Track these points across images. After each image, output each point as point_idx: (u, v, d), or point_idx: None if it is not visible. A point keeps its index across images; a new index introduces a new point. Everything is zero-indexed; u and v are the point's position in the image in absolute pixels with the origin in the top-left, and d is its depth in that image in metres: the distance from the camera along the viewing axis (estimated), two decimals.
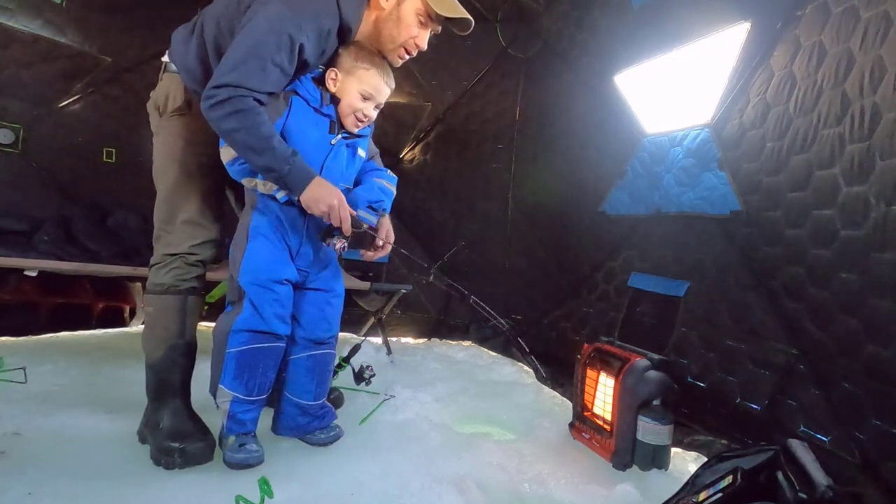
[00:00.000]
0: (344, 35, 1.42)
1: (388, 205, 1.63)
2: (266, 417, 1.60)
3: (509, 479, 1.50)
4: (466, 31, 1.46)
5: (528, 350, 2.30)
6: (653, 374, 1.67)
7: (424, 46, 1.46)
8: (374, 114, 1.54)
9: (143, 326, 1.55)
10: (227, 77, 1.26)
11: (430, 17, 1.42)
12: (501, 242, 3.42)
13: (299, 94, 1.46)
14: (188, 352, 1.52)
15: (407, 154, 3.67)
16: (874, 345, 1.33)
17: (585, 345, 1.95)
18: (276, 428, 1.64)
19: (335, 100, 1.50)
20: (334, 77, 1.48)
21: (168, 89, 1.49)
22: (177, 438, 1.39)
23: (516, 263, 3.35)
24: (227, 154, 1.41)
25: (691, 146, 2.03)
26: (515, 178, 3.37)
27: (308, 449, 1.60)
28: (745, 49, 1.79)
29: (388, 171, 1.70)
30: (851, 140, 1.42)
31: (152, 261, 1.51)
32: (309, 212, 1.41)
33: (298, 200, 1.39)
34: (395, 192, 1.66)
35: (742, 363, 1.77)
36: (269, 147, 1.29)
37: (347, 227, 1.42)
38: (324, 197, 1.37)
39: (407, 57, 1.49)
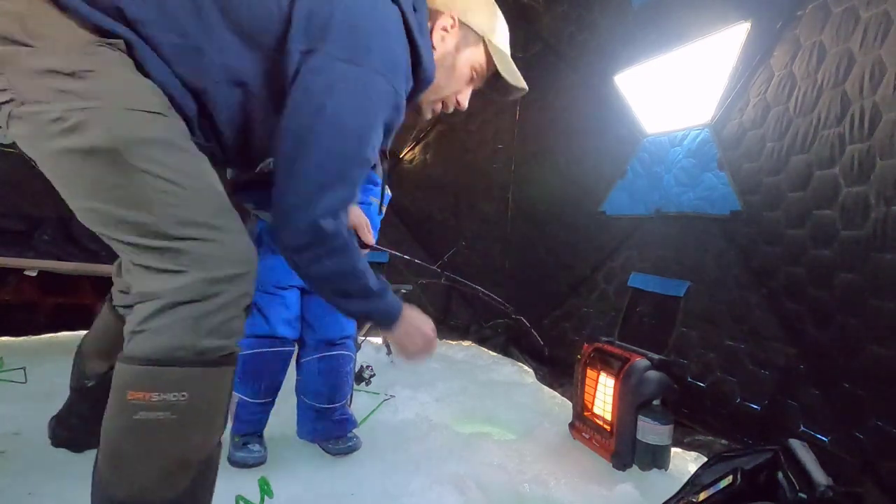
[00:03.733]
0: (419, 90, 1.04)
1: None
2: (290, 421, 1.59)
3: (509, 479, 1.50)
4: (513, 98, 1.20)
5: (541, 341, 2.26)
6: (653, 374, 1.67)
7: (465, 106, 1.16)
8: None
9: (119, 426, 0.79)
10: (315, 210, 0.86)
11: (483, 75, 1.14)
12: (501, 242, 3.42)
13: None
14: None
15: (407, 154, 3.68)
16: (874, 345, 1.33)
17: (585, 345, 1.95)
18: (298, 432, 1.64)
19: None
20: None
21: None
22: None
23: (516, 263, 3.35)
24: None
25: (691, 146, 2.03)
26: (515, 178, 3.37)
27: (308, 449, 1.60)
28: (745, 49, 1.79)
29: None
30: (851, 140, 1.42)
31: (160, 299, 0.79)
32: (401, 349, 1.14)
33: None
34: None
35: (742, 363, 1.77)
36: (364, 291, 0.98)
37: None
38: (417, 335, 1.09)
39: (439, 113, 1.18)
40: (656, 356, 1.73)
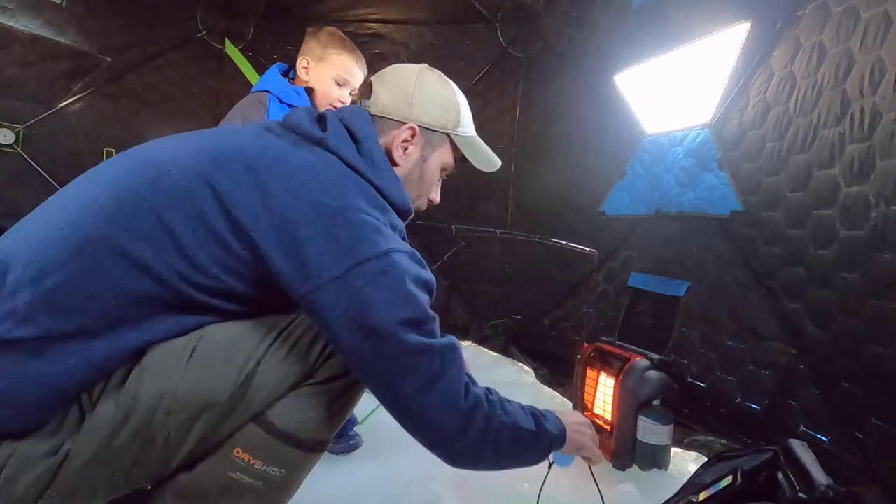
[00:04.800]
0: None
1: None
2: None
3: (509, 479, 1.50)
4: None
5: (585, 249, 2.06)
6: (653, 374, 1.67)
7: (438, 200, 1.09)
8: (349, 100, 1.42)
9: None
10: (464, 406, 0.80)
11: (454, 165, 1.06)
12: (501, 242, 3.42)
13: (272, 93, 1.43)
14: None
15: None
16: (874, 345, 1.33)
17: (585, 345, 1.95)
18: None
19: (309, 91, 1.45)
20: (306, 66, 1.43)
21: None
22: None
23: (516, 263, 3.35)
24: None
25: (691, 146, 2.03)
26: (515, 178, 3.37)
27: None
28: (745, 49, 1.79)
29: None
30: (851, 140, 1.42)
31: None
32: (580, 451, 1.09)
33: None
34: None
35: (742, 363, 1.77)
36: (530, 438, 0.94)
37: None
38: (583, 440, 1.05)
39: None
40: (656, 356, 1.73)
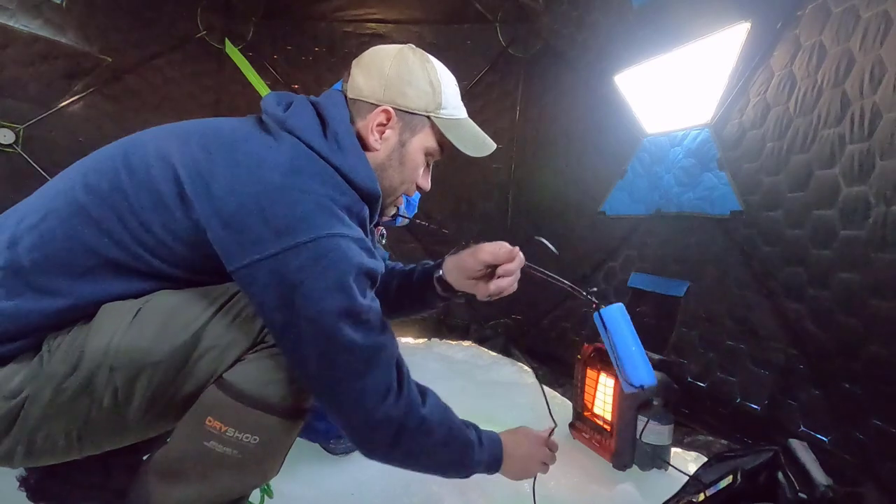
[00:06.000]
0: (374, 207, 0.92)
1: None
2: None
3: (509, 479, 1.50)
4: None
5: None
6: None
7: (429, 187, 1.05)
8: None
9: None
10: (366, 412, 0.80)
11: (441, 150, 1.02)
12: None
13: None
14: None
15: None
16: (874, 345, 1.33)
17: (585, 345, 1.95)
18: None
19: None
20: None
21: None
22: None
23: None
24: None
25: (691, 146, 2.03)
26: (515, 178, 3.37)
27: (309, 448, 1.60)
28: (745, 49, 1.79)
29: None
30: (851, 140, 1.42)
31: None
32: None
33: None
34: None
35: (742, 363, 1.77)
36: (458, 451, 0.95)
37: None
38: (527, 466, 1.11)
39: (403, 203, 1.10)
40: (656, 356, 1.73)
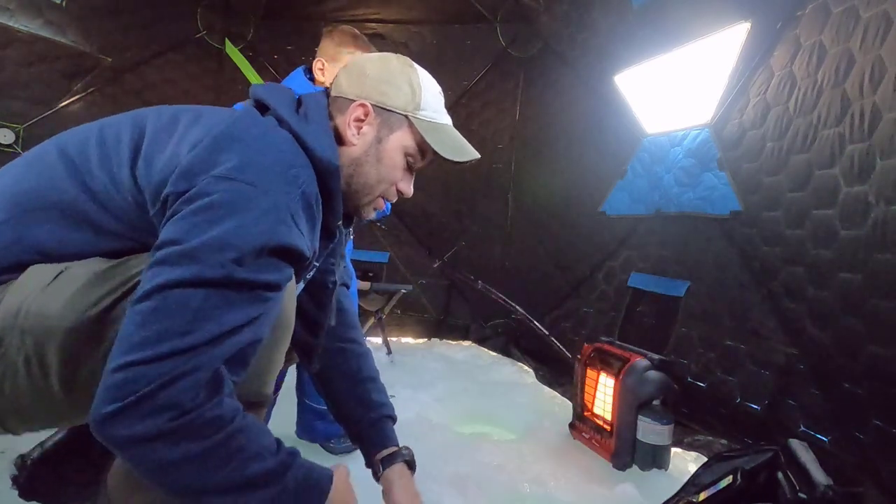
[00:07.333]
0: (328, 182, 0.86)
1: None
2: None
3: (509, 480, 1.50)
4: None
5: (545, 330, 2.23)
6: (653, 374, 1.67)
7: (410, 193, 1.01)
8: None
9: None
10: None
11: (422, 155, 0.98)
12: (501, 242, 3.42)
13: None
14: None
15: None
16: (874, 345, 1.33)
17: (585, 345, 1.95)
18: (297, 431, 1.64)
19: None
20: (321, 66, 1.35)
21: None
22: None
23: (516, 263, 3.35)
24: None
25: (691, 146, 2.03)
26: (515, 178, 3.37)
27: (309, 449, 1.60)
28: (745, 49, 1.79)
29: None
30: (851, 140, 1.42)
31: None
32: None
33: None
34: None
35: (742, 363, 1.77)
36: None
37: None
38: None
39: (382, 208, 1.05)
40: (656, 356, 1.73)
